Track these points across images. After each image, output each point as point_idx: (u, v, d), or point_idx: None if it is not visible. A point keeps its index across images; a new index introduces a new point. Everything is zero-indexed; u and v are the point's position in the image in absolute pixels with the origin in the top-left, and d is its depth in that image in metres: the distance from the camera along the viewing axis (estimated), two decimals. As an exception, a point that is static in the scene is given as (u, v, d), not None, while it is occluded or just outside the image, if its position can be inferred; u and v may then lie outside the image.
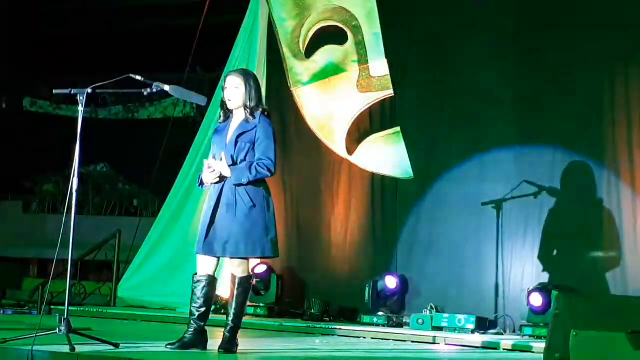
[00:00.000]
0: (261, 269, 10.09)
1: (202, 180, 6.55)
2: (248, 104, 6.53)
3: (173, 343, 6.43)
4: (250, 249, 6.42)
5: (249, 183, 6.40)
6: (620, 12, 9.07)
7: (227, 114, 6.63)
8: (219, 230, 6.43)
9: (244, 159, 6.45)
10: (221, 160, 6.43)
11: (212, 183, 6.49)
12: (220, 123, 6.68)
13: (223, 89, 6.63)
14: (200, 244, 6.48)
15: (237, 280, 6.51)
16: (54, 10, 13.21)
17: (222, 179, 6.45)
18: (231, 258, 6.50)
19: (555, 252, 9.23)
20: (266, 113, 6.59)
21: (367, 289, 9.70)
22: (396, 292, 9.71)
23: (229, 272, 6.63)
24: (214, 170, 6.44)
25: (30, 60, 14.64)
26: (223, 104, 6.63)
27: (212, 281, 6.51)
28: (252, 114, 6.52)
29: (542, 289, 8.75)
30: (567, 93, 9.28)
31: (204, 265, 6.51)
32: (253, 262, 9.94)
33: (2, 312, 10.16)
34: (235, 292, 6.50)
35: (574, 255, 9.12)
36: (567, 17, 9.33)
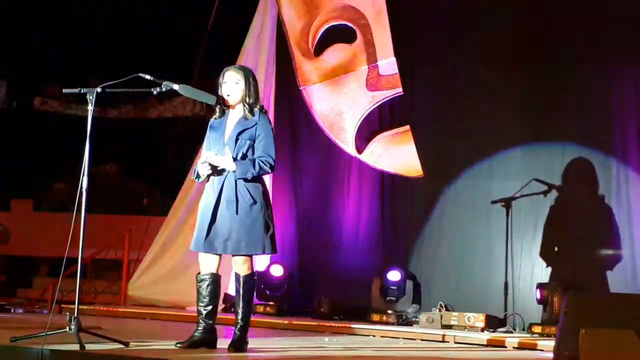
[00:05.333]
0: (278, 271, 10.12)
1: (197, 173, 6.53)
2: (247, 100, 6.51)
3: (183, 342, 6.43)
4: (252, 246, 6.39)
5: (249, 180, 6.39)
6: (630, 9, 9.05)
7: (224, 109, 6.61)
8: (220, 227, 6.40)
9: (245, 156, 6.45)
10: (225, 154, 6.41)
11: (206, 175, 6.47)
12: (215, 119, 6.63)
13: (221, 84, 6.56)
14: (200, 241, 6.44)
15: (241, 279, 6.49)
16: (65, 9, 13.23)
17: (218, 172, 6.43)
18: (232, 255, 6.48)
19: (564, 250, 9.22)
20: (264, 110, 6.60)
21: (372, 284, 9.74)
22: (400, 285, 9.68)
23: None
24: (205, 162, 6.40)
25: (41, 60, 14.67)
26: (220, 100, 6.59)
27: (216, 279, 6.49)
28: (251, 110, 6.49)
29: (541, 285, 8.79)
30: (575, 90, 9.27)
31: (207, 263, 6.50)
32: (264, 262, 10.01)
33: (12, 310, 10.21)
34: (241, 291, 6.48)
35: (583, 252, 9.10)
36: (575, 16, 9.31)
